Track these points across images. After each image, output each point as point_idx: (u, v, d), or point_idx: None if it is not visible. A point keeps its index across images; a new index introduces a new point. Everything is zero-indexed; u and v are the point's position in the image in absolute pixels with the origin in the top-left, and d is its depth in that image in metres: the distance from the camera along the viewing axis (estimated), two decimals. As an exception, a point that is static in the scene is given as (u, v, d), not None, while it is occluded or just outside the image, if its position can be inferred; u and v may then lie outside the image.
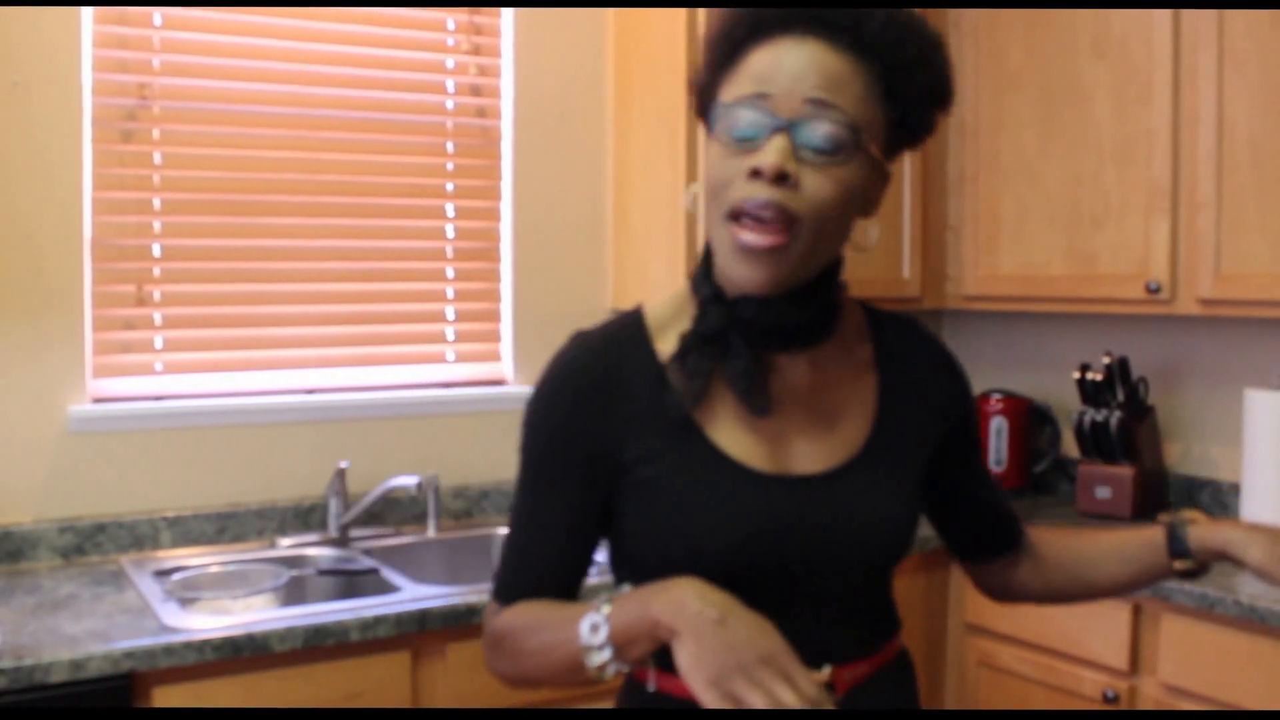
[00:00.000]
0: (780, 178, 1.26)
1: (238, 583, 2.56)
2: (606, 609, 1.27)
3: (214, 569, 2.63)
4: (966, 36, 3.36)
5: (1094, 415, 3.16)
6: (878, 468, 1.42)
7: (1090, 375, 3.20)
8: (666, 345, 1.40)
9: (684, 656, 1.19)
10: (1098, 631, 2.65)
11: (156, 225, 2.86)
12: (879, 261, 3.31)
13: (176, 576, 2.54)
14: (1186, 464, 3.26)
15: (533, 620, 1.37)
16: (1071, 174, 3.09)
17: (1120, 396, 3.19)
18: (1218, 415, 3.19)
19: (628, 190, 3.33)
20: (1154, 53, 2.88)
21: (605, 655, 1.26)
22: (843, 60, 1.29)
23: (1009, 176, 3.26)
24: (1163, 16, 2.85)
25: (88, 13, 2.75)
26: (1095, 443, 3.17)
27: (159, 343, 2.88)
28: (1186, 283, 2.84)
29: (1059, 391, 3.52)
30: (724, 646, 1.18)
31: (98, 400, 2.81)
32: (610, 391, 1.39)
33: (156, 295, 2.87)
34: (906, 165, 3.36)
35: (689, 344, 1.37)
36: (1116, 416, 3.13)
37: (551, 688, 1.36)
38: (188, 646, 2.15)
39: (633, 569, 1.40)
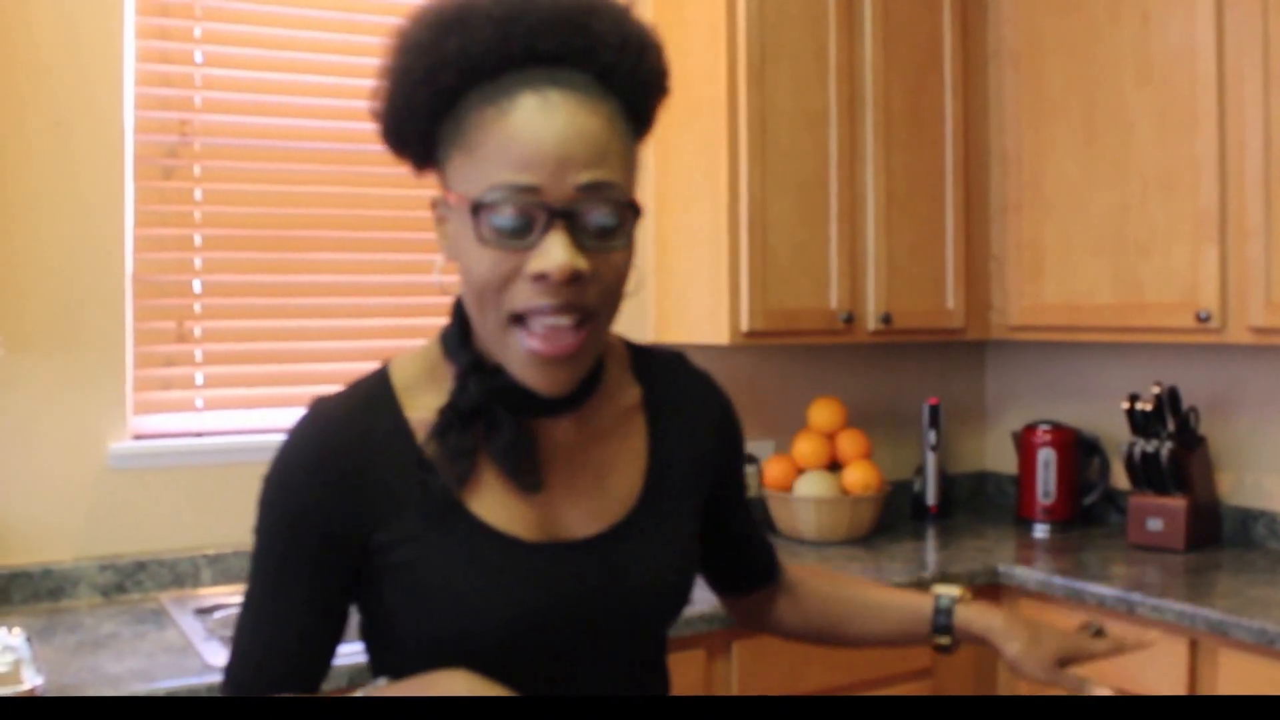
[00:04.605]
0: (572, 278, 1.13)
1: (279, 620, 2.54)
2: None
3: (255, 606, 2.61)
4: (1007, 64, 3.34)
5: (1144, 446, 3.11)
6: (651, 524, 1.33)
7: (1139, 405, 3.14)
8: (418, 413, 1.27)
9: None
10: (1154, 667, 2.58)
11: (197, 262, 2.87)
12: (922, 293, 3.29)
13: (218, 614, 2.53)
14: (1239, 495, 3.20)
15: None
16: (1116, 202, 3.05)
17: (1170, 427, 3.13)
18: (1272, 445, 3.13)
19: (669, 223, 3.31)
20: (1198, 78, 2.85)
21: None
22: (593, 115, 1.16)
23: (1052, 205, 3.23)
24: (1206, 42, 2.82)
25: (130, 50, 2.76)
26: (1146, 474, 3.11)
27: (200, 379, 2.88)
28: (1237, 311, 2.80)
29: (1107, 422, 3.46)
30: None
31: (138, 437, 2.80)
32: (354, 469, 1.24)
33: (197, 331, 2.87)
34: (949, 195, 3.34)
35: (448, 421, 1.24)
36: (1167, 447, 3.08)
37: None
38: (229, 685, 2.13)
39: (396, 654, 1.28)
